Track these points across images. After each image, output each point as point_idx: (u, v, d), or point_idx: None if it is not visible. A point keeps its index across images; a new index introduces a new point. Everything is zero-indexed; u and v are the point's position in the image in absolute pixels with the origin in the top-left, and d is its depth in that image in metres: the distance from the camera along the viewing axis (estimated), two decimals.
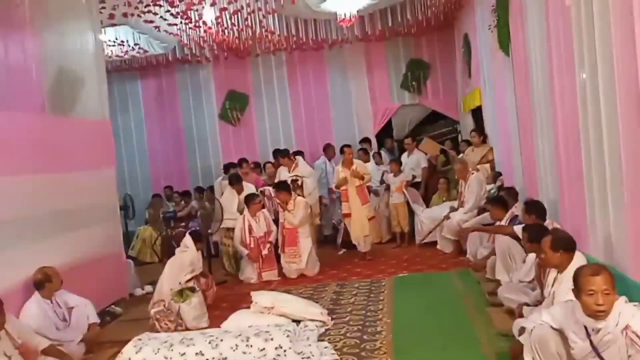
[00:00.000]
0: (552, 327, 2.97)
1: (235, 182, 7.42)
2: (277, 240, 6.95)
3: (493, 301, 4.67)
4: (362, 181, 7.15)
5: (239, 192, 7.35)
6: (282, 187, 7.00)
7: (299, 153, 8.77)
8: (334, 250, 7.95)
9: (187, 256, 5.46)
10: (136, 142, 10.92)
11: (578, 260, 3.41)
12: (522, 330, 3.40)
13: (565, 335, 2.84)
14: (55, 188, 5.24)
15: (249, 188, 7.45)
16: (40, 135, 5.16)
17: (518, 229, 4.81)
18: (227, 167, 7.98)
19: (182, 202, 9.06)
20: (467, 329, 4.27)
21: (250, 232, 6.79)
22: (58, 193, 5.28)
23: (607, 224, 3.91)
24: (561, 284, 3.32)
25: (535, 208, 4.65)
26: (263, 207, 7.09)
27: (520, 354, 3.30)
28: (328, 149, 8.77)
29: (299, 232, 6.84)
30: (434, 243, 7.28)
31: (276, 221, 7.08)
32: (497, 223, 5.49)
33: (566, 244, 3.39)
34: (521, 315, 3.88)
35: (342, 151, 7.50)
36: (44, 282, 4.36)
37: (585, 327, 2.70)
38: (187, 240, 5.61)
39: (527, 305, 4.02)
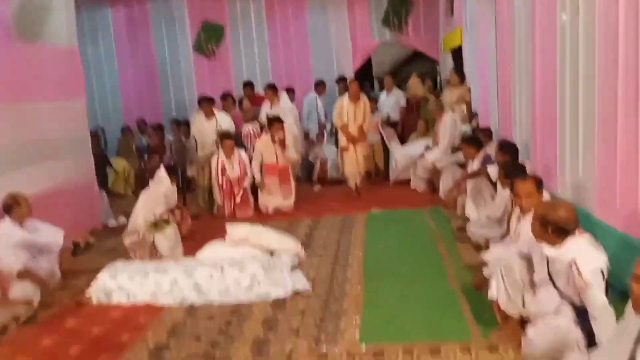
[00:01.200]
0: (518, 256, 3.10)
1: (205, 103, 7.24)
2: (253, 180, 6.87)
3: (462, 236, 4.83)
4: (365, 122, 7.04)
5: (209, 115, 7.18)
6: (278, 121, 6.77)
7: (291, 91, 8.61)
8: (308, 186, 8.01)
9: (161, 189, 5.42)
10: (107, 73, 10.53)
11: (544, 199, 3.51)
12: (484, 263, 3.56)
13: (532, 261, 2.95)
14: (24, 118, 5.12)
15: (222, 118, 7.29)
16: (6, 63, 4.96)
17: (492, 169, 4.92)
18: (200, 101, 7.78)
19: (156, 135, 8.90)
20: (435, 262, 4.43)
21: (223, 173, 6.69)
22: (26, 123, 5.16)
23: (577, 165, 4.02)
24: (526, 223, 3.42)
25: (509, 148, 4.74)
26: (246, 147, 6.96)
27: (483, 285, 3.46)
28: (319, 85, 8.61)
29: (290, 170, 6.85)
30: (408, 181, 7.39)
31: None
32: (469, 161, 5.58)
33: (542, 184, 3.47)
34: (487, 249, 4.03)
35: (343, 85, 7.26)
36: (12, 207, 4.30)
37: (547, 258, 2.81)
38: (162, 173, 5.56)
39: (494, 240, 4.17)
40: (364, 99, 7.09)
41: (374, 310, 3.55)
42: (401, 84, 9.10)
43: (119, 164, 8.50)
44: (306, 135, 8.28)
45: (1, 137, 4.79)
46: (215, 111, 7.35)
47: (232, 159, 6.65)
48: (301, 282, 4.12)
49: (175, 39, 10.27)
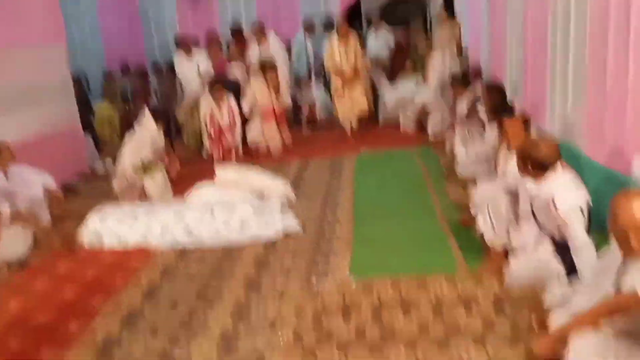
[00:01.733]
0: (505, 191, 3.14)
1: (181, 42, 7.07)
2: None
3: (450, 175, 4.86)
4: (358, 62, 6.89)
5: (188, 53, 7.05)
6: (272, 67, 6.66)
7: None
8: (297, 129, 7.95)
9: (146, 132, 5.36)
10: (87, 14, 10.15)
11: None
12: (472, 200, 3.61)
13: (518, 196, 2.99)
14: (4, 64, 5.02)
15: (200, 58, 7.12)
16: None
17: (480, 109, 4.90)
18: (176, 41, 7.52)
19: (140, 79, 8.69)
20: (424, 200, 4.48)
21: (212, 119, 6.53)
22: (7, 69, 5.07)
23: (566, 101, 4.01)
24: (513, 160, 3.44)
25: (496, 90, 4.69)
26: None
27: (470, 221, 3.52)
28: (308, 25, 8.33)
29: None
30: (397, 122, 7.35)
31: None
32: (458, 101, 5.54)
33: (530, 122, 3.46)
34: (475, 187, 4.06)
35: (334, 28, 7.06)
36: None
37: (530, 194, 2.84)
38: (147, 117, 5.48)
39: (482, 177, 4.20)
40: (353, 37, 6.91)
41: (363, 249, 3.61)
42: (390, 22, 8.88)
43: (103, 108, 8.33)
44: (296, 78, 8.12)
45: None
46: (195, 50, 7.17)
47: (222, 106, 6.49)
48: (291, 224, 4.15)
49: None
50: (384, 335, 2.56)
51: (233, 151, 6.57)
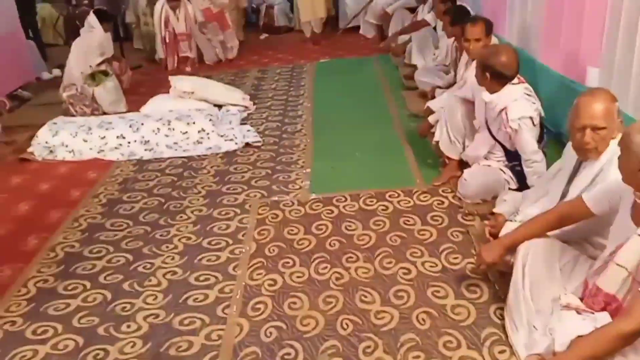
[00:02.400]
0: (462, 101, 3.19)
1: None
2: None
3: (409, 85, 4.86)
4: None
5: None
6: None
7: None
8: (254, 35, 7.65)
9: (94, 37, 5.04)
10: None
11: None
12: (429, 111, 3.65)
13: (475, 105, 3.05)
14: None
15: None
16: None
17: (429, 17, 4.85)
18: None
19: None
20: (382, 110, 4.51)
21: (167, 25, 6.14)
22: None
23: (525, 9, 3.98)
24: (473, 70, 3.45)
25: None
26: None
27: (427, 131, 3.58)
28: None
29: (226, 14, 6.46)
30: (357, 28, 7.16)
31: None
32: (421, 6, 5.42)
33: (492, 28, 3.42)
34: (433, 97, 4.10)
35: None
36: None
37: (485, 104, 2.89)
38: (92, 19, 5.11)
39: (440, 88, 4.23)
40: None
41: (323, 161, 3.65)
42: None
43: (44, 9, 7.74)
44: None
45: None
46: None
47: (178, 10, 6.09)
48: (251, 135, 4.13)
49: None
50: (343, 244, 2.67)
51: (189, 60, 6.30)
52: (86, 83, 4.84)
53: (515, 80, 2.78)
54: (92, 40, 5.01)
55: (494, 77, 2.75)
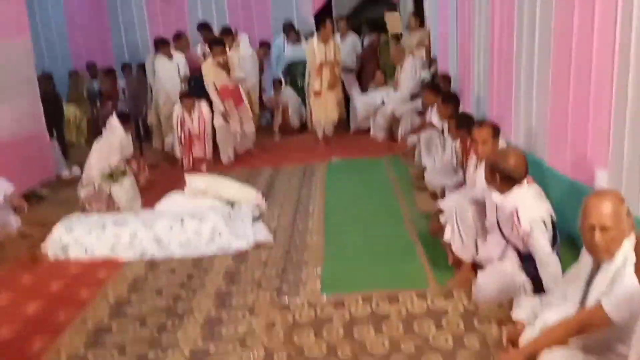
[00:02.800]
0: (472, 202, 3.20)
1: (161, 44, 7.01)
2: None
3: (419, 185, 4.92)
4: (337, 63, 6.92)
5: (168, 55, 7.01)
6: (218, 43, 6.54)
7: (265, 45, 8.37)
8: (269, 137, 7.93)
9: (115, 138, 5.26)
10: (52, 11, 9.90)
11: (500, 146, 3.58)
12: (440, 210, 3.66)
13: (485, 206, 3.05)
14: None
15: (178, 59, 7.09)
16: None
17: (435, 119, 5.06)
18: (157, 44, 7.43)
19: (108, 80, 8.51)
20: (393, 209, 4.53)
21: (182, 126, 6.42)
22: None
23: (530, 113, 4.11)
24: (482, 171, 3.50)
25: (450, 97, 4.80)
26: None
27: (439, 231, 3.57)
28: (290, 30, 8.33)
29: (242, 91, 6.69)
30: (368, 130, 7.39)
31: None
32: (429, 109, 5.63)
33: (499, 132, 3.52)
34: (444, 197, 4.14)
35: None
36: None
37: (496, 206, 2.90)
38: (114, 121, 5.37)
39: (449, 188, 4.27)
40: (334, 39, 6.95)
41: (334, 261, 3.62)
42: (359, 28, 8.92)
43: (70, 110, 8.15)
44: (273, 82, 8.08)
45: None
46: (173, 52, 7.10)
47: (192, 113, 6.38)
48: (262, 233, 4.14)
49: None
50: (355, 351, 2.58)
51: (204, 160, 6.49)
52: (104, 181, 4.97)
53: (525, 182, 2.82)
54: (113, 141, 5.22)
55: (504, 179, 2.79)
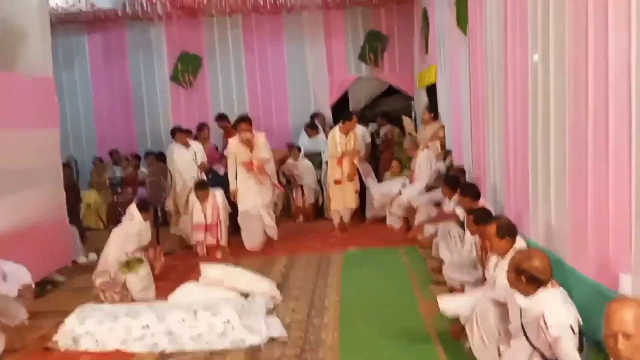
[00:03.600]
0: (493, 304, 3.11)
1: (178, 133, 7.22)
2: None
3: (437, 279, 4.83)
4: (357, 155, 7.11)
5: (184, 143, 7.20)
6: (244, 120, 6.55)
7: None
8: (284, 223, 7.96)
9: (133, 226, 5.33)
10: (81, 100, 10.42)
11: (519, 245, 3.54)
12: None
13: (508, 309, 2.96)
14: None
15: (196, 147, 7.26)
16: None
17: (459, 211, 5.00)
18: (173, 132, 7.69)
19: (130, 168, 8.78)
20: (411, 305, 4.42)
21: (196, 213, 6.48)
22: None
23: (549, 210, 4.06)
24: (503, 270, 3.44)
25: (469, 190, 4.82)
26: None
27: (460, 333, 3.45)
28: (313, 128, 8.72)
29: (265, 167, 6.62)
30: (384, 218, 7.40)
31: None
32: (445, 200, 5.63)
33: (510, 231, 3.50)
34: (463, 291, 4.04)
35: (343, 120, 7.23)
36: None
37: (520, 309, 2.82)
38: (133, 209, 5.47)
39: (469, 284, 4.18)
40: (355, 131, 7.18)
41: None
42: (375, 119, 9.23)
43: (91, 196, 8.35)
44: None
45: None
46: (190, 142, 7.32)
47: (206, 204, 6.47)
48: (277, 328, 4.05)
49: (152, 68, 10.26)
50: None
51: (219, 247, 6.50)
52: (120, 270, 4.97)
53: (550, 285, 2.76)
54: (132, 229, 5.28)
55: (529, 281, 2.74)
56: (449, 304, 3.55)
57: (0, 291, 4.13)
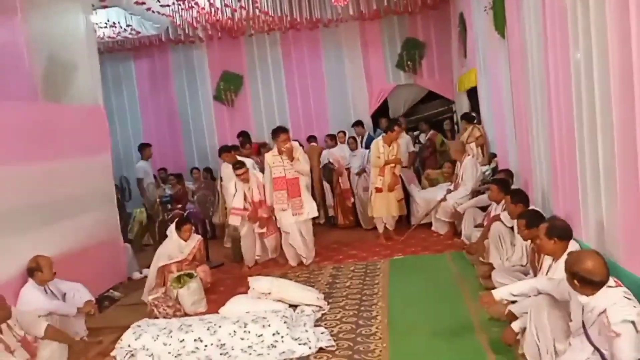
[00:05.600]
0: (548, 301, 3.07)
1: (223, 152, 7.32)
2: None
3: (486, 285, 4.73)
4: (398, 162, 7.13)
5: (233, 160, 7.21)
6: (283, 131, 6.39)
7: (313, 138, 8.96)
8: (329, 232, 8.00)
9: (171, 243, 5.58)
10: (131, 123, 10.88)
11: (573, 248, 3.45)
12: (512, 316, 3.49)
13: (564, 308, 2.90)
14: (51, 176, 5.22)
15: (248, 163, 7.32)
16: (34, 123, 5.12)
17: (505, 216, 4.89)
18: (220, 151, 7.87)
19: (178, 185, 9.05)
20: (460, 313, 4.34)
21: (245, 199, 6.46)
22: (54, 181, 5.27)
23: (600, 210, 3.92)
24: (555, 272, 3.36)
25: (520, 197, 4.70)
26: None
27: (513, 340, 3.38)
28: (356, 130, 8.97)
29: (300, 182, 6.37)
30: (429, 224, 7.33)
31: None
32: (493, 204, 5.51)
33: (561, 233, 3.42)
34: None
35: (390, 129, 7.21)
36: (34, 271, 4.39)
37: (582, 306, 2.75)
38: (172, 228, 5.68)
39: None
40: (398, 141, 7.20)
41: None
42: (416, 126, 9.18)
43: (142, 214, 8.64)
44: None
45: (31, 196, 4.88)
46: (240, 158, 7.47)
47: (250, 184, 6.44)
48: (325, 338, 4.07)
49: (196, 89, 10.61)
50: None
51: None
52: (172, 285, 5.13)
53: (612, 284, 2.69)
54: (169, 246, 5.53)
55: (583, 283, 2.69)
56: (502, 293, 3.50)
57: (61, 311, 4.37)
